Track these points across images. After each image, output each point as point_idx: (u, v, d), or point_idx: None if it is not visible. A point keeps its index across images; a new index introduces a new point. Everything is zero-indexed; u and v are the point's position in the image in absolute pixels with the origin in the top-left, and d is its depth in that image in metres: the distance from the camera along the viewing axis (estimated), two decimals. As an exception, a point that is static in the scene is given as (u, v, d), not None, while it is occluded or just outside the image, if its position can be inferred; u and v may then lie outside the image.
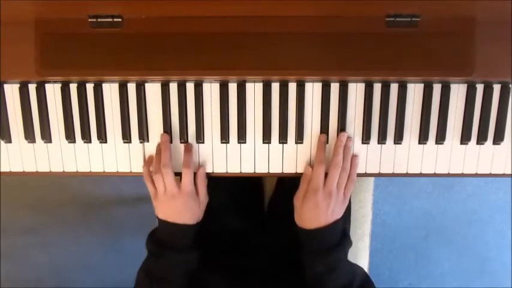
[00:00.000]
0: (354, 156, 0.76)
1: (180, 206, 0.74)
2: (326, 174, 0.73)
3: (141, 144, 0.77)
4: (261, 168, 0.77)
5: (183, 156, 0.75)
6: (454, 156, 0.76)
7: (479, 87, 0.74)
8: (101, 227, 1.64)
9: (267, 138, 0.75)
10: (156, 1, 0.70)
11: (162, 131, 0.76)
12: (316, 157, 0.74)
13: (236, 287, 0.77)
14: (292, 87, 0.74)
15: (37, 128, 0.77)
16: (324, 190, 0.71)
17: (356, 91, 0.74)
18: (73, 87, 0.75)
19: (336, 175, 0.72)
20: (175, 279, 0.75)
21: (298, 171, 0.77)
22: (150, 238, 0.77)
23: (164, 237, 0.75)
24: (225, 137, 0.76)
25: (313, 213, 0.71)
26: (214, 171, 0.77)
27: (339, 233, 0.73)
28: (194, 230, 0.76)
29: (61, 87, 0.75)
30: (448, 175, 0.77)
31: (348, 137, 0.75)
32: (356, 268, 0.79)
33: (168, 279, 0.74)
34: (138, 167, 0.78)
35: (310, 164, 0.76)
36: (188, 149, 0.76)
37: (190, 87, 0.75)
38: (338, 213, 0.73)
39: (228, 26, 0.70)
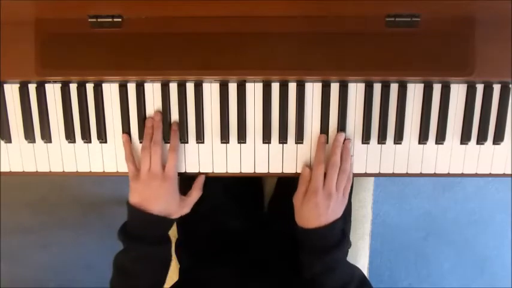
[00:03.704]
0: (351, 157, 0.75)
1: (159, 189, 0.72)
2: (324, 175, 0.72)
3: (141, 144, 0.77)
4: (261, 168, 0.77)
5: (170, 139, 0.74)
6: (454, 156, 0.76)
7: (479, 87, 0.74)
8: (101, 227, 1.64)
9: (267, 138, 0.75)
10: (156, 1, 0.70)
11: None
12: (315, 158, 0.74)
13: (236, 285, 0.77)
14: (292, 87, 0.74)
15: (37, 128, 0.77)
16: (323, 191, 0.71)
17: (356, 91, 0.74)
18: (73, 87, 0.75)
19: (335, 176, 0.72)
20: (142, 275, 0.72)
21: (298, 171, 0.77)
22: (120, 229, 0.75)
23: (133, 228, 0.73)
24: (225, 137, 0.75)
25: (313, 213, 0.71)
26: (214, 171, 0.77)
27: (338, 232, 0.73)
28: (164, 224, 0.74)
29: (61, 87, 0.75)
30: (448, 175, 0.77)
31: (348, 139, 0.75)
32: (354, 269, 0.79)
33: (133, 274, 0.72)
34: (138, 167, 0.78)
35: (309, 165, 0.76)
36: (175, 130, 0.75)
37: (190, 87, 0.75)
38: (338, 213, 0.73)
39: (228, 26, 0.70)
